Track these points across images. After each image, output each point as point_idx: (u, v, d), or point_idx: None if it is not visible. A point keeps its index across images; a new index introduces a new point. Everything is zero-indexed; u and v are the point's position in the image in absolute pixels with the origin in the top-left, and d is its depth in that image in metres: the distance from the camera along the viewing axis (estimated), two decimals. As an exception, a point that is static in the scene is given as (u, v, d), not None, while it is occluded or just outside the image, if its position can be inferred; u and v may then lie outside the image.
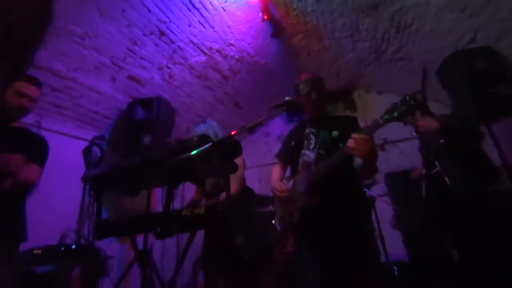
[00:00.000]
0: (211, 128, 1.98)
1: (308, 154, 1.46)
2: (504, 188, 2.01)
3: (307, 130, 1.54)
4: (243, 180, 2.01)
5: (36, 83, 1.58)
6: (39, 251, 1.67)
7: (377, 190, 3.12)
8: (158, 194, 2.34)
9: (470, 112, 2.15)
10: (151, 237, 2.19)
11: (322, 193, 1.33)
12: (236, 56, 2.95)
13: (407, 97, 1.12)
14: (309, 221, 1.35)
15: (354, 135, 1.20)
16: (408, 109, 1.11)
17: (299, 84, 1.53)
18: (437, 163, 2.16)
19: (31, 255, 1.64)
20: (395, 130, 2.97)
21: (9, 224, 1.39)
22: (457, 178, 2.07)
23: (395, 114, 1.13)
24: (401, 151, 3.15)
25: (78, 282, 1.70)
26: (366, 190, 2.44)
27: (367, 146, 1.19)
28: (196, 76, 2.94)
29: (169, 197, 1.50)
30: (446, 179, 2.11)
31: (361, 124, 1.50)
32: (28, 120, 2.20)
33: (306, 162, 1.44)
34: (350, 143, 1.19)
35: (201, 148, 1.01)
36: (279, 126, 4.06)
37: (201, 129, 1.99)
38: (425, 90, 2.33)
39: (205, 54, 2.79)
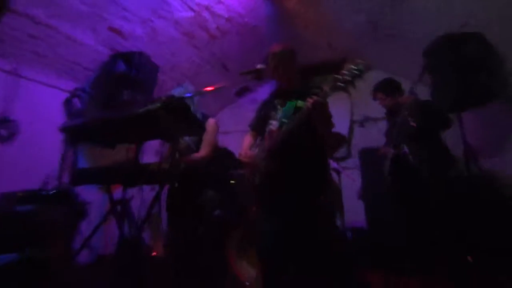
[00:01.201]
0: (188, 91, 2.00)
1: (273, 124, 1.52)
2: (460, 174, 2.17)
3: (276, 101, 1.59)
4: (214, 143, 2.10)
5: None
6: (21, 194, 1.81)
7: (350, 163, 3.29)
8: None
9: (448, 98, 2.19)
10: (132, 189, 2.36)
11: (280, 159, 1.42)
12: (226, 15, 2.82)
13: (351, 66, 1.19)
14: (267, 185, 1.46)
15: (313, 97, 1.26)
16: (352, 78, 1.18)
17: (268, 56, 1.53)
18: (404, 146, 2.28)
19: (13, 196, 1.78)
20: (375, 108, 3.04)
21: None
22: (421, 159, 2.22)
23: (341, 84, 1.20)
24: (379, 129, 3.24)
25: (58, 224, 1.88)
26: (334, 163, 2.58)
27: (323, 110, 1.28)
28: (182, 33, 2.85)
29: (138, 151, 1.61)
30: (411, 157, 2.26)
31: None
32: (5, 66, 2.19)
33: (270, 130, 1.52)
34: (309, 102, 1.27)
35: (149, 106, 1.07)
36: (267, 93, 4.05)
37: (177, 92, 2.02)
38: (420, 79, 2.33)
39: (193, 10, 2.66)
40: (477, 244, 1.84)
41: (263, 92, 4.13)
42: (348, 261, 1.50)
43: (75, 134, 1.69)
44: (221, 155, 2.62)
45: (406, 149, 2.28)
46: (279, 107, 1.55)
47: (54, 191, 1.98)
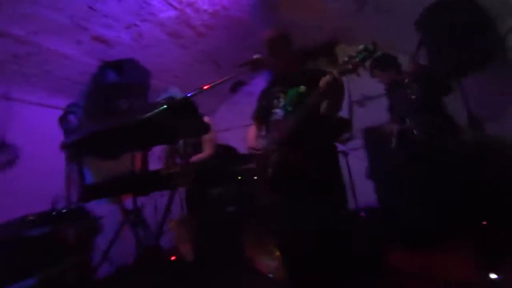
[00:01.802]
0: (174, 95, 1.97)
1: (278, 112, 1.51)
2: (466, 138, 2.16)
3: (276, 89, 1.57)
4: (215, 141, 2.10)
5: None
6: (32, 217, 1.79)
7: (354, 144, 3.28)
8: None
9: (445, 65, 2.16)
10: (142, 197, 2.34)
11: (290, 148, 1.41)
12: (210, 10, 2.74)
13: (360, 48, 1.19)
14: (280, 175, 1.46)
15: (323, 78, 1.25)
16: (362, 60, 1.18)
17: (262, 43, 1.50)
18: (407, 119, 2.27)
19: (25, 221, 1.76)
20: (374, 85, 3.00)
21: None
22: (426, 131, 2.21)
23: (350, 66, 1.19)
24: (379, 107, 3.22)
25: (73, 242, 1.87)
26: (340, 145, 2.57)
27: (338, 90, 1.30)
28: (168, 34, 2.77)
29: (145, 159, 1.59)
30: (415, 131, 2.25)
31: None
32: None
33: (276, 120, 1.50)
34: (323, 82, 1.25)
35: (155, 110, 1.04)
36: (262, 85, 4.00)
37: (162, 97, 1.99)
38: (418, 49, 2.29)
39: (175, 8, 2.58)
40: (491, 209, 1.86)
41: (258, 84, 4.11)
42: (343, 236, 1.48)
43: (77, 149, 1.66)
44: (224, 152, 2.61)
45: (408, 122, 2.27)
46: (281, 94, 1.53)
47: (65, 210, 1.96)
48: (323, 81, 1.25)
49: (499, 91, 2.29)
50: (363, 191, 2.73)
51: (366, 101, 3.34)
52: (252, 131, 1.77)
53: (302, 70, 1.57)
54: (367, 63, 1.21)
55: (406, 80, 2.15)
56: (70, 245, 1.83)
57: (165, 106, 1.03)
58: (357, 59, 1.18)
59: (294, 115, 1.39)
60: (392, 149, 2.39)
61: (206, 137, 2.09)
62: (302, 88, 1.44)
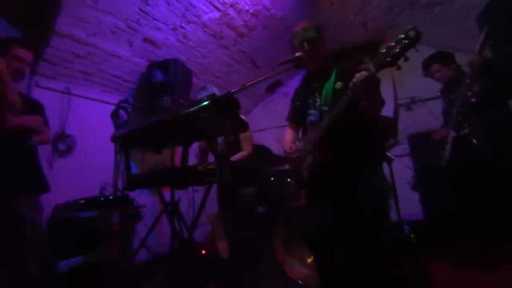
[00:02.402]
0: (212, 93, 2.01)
1: (313, 113, 1.43)
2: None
3: (310, 87, 1.48)
4: (252, 139, 2.09)
5: (30, 46, 1.66)
6: (83, 201, 1.98)
7: (399, 151, 3.03)
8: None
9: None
10: (180, 191, 2.43)
11: (326, 150, 1.33)
12: (251, 10, 2.77)
13: (401, 36, 0.99)
14: (317, 178, 1.39)
15: (357, 74, 1.09)
16: (403, 49, 0.98)
17: (292, 38, 1.43)
18: (466, 125, 2.01)
19: (76, 204, 1.95)
20: (424, 88, 2.75)
21: (30, 178, 1.59)
22: (487, 139, 1.94)
23: (388, 59, 1.01)
24: (429, 110, 2.93)
25: (117, 227, 2.02)
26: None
27: (373, 86, 1.12)
28: (211, 35, 2.86)
29: (185, 154, 1.64)
30: (474, 140, 1.99)
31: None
32: (58, 87, 2.41)
33: (312, 121, 1.43)
34: (355, 79, 1.10)
35: (197, 106, 1.05)
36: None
37: (201, 95, 2.04)
38: (483, 46, 2.00)
39: (219, 9, 2.66)
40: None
41: (294, 85, 4.05)
42: (383, 251, 1.33)
43: (125, 142, 1.78)
44: (259, 152, 2.60)
45: (467, 128, 2.02)
46: (316, 93, 1.44)
47: (112, 197, 2.13)
48: (356, 78, 1.10)
49: None
50: (407, 201, 2.50)
51: (414, 103, 3.07)
52: (288, 133, 1.69)
53: (337, 64, 1.43)
54: (410, 54, 0.97)
55: (468, 80, 1.90)
56: (113, 229, 1.97)
57: (206, 102, 1.03)
58: (397, 49, 0.99)
59: (328, 117, 1.29)
60: (442, 157, 2.14)
61: (243, 135, 2.08)
62: (339, 84, 1.34)
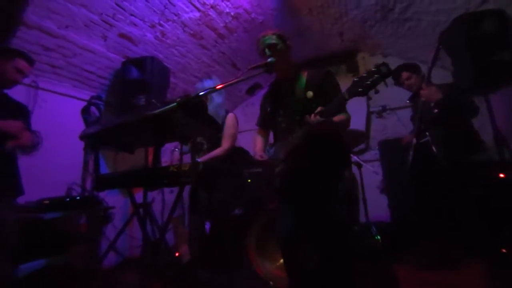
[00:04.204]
0: (216, 84, 1.97)
1: (285, 121, 1.47)
2: (485, 158, 2.04)
3: (280, 94, 1.51)
4: (235, 136, 2.08)
5: (32, 62, 1.75)
6: (47, 201, 1.87)
7: (370, 156, 3.19)
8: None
9: (470, 81, 2.06)
10: (153, 192, 2.36)
11: (298, 159, 1.38)
12: (232, 13, 2.79)
13: (373, 69, 1.08)
14: (288, 186, 1.43)
15: (312, 119, 1.22)
16: (374, 82, 1.08)
17: (256, 46, 1.48)
18: (427, 133, 2.17)
19: (40, 204, 1.84)
20: (394, 97, 2.92)
21: (7, 181, 1.59)
22: (444, 148, 2.10)
23: (360, 89, 1.10)
24: (398, 118, 3.12)
25: (84, 228, 1.93)
26: (354, 156, 2.50)
27: (326, 127, 1.26)
28: (190, 35, 2.84)
29: (156, 154, 1.62)
30: (434, 148, 2.15)
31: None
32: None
33: (284, 129, 1.47)
34: (309, 123, 1.24)
35: (165, 107, 1.05)
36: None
37: (207, 84, 2.03)
38: (434, 62, 2.18)
39: (199, 10, 2.65)
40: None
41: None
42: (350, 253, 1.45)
43: (95, 140, 1.71)
44: (237, 154, 2.60)
45: (428, 136, 2.17)
46: (286, 101, 1.48)
47: (79, 197, 2.04)
48: (312, 121, 1.23)
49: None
50: (376, 205, 2.64)
51: (385, 112, 3.25)
52: (258, 139, 1.71)
53: (308, 73, 1.48)
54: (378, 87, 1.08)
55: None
56: (80, 231, 1.89)
57: (175, 104, 1.04)
58: (368, 81, 1.08)
59: (300, 132, 1.35)
60: (406, 163, 2.29)
61: (226, 132, 2.06)
62: (310, 94, 1.38)
